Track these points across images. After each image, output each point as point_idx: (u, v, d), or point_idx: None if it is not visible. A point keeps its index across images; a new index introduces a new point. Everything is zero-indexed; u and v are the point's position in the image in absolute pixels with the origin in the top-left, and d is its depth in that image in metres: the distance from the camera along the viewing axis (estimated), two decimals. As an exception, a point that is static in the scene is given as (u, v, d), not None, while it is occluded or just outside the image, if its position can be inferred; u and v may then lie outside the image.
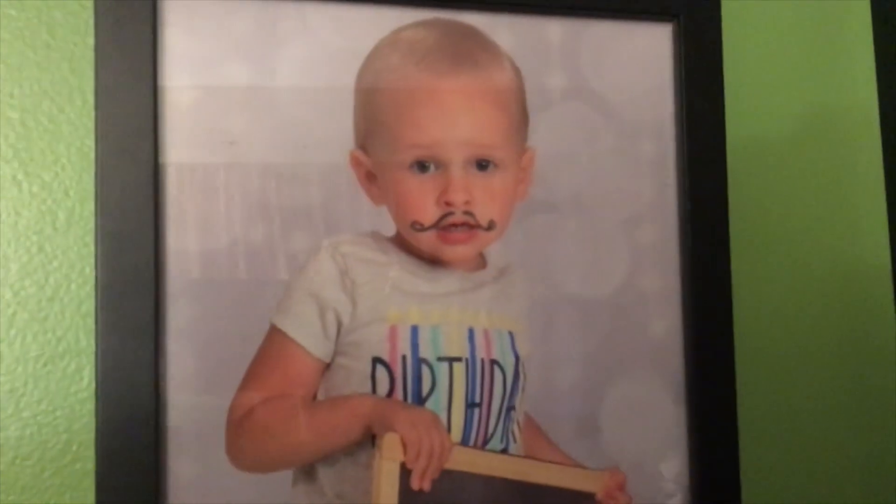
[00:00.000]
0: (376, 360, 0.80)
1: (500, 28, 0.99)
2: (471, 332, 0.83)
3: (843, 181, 1.19)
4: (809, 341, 1.15)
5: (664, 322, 1.04)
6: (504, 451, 0.83)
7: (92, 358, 0.90)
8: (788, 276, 1.15)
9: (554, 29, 1.03)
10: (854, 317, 1.17)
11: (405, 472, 0.73)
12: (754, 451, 1.09)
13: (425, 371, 0.80)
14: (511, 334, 0.86)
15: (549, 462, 0.84)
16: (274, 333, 0.82)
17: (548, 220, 1.01)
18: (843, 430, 1.16)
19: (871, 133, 1.20)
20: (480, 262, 0.89)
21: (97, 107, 0.90)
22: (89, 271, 0.92)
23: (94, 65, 0.91)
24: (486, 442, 0.82)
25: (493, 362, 0.83)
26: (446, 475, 0.75)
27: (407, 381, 0.80)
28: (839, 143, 1.19)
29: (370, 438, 0.77)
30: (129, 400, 0.88)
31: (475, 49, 0.85)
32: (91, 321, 0.91)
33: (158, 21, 0.92)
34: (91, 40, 0.92)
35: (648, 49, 1.06)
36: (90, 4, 0.93)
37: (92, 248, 0.91)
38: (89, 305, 0.91)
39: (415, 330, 0.81)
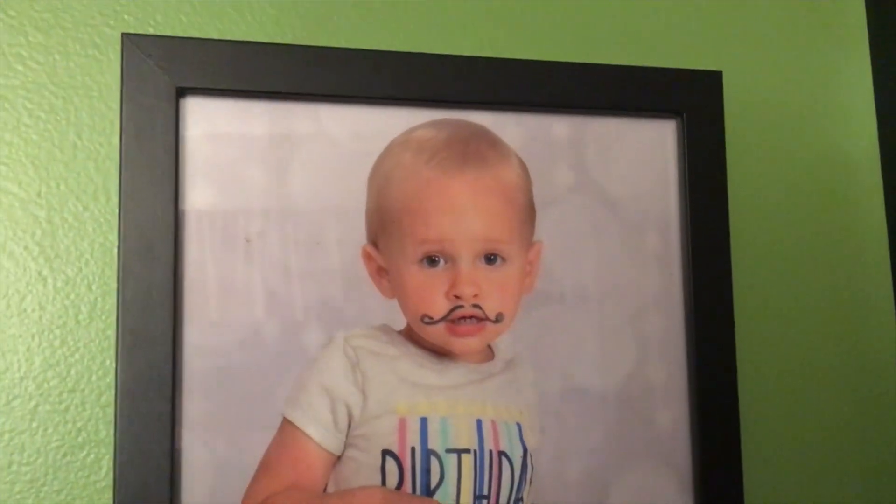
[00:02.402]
0: (386, 453, 0.81)
1: (507, 125, 1.02)
2: (479, 424, 0.83)
3: (852, 279, 1.18)
4: (818, 429, 1.15)
5: (671, 413, 1.04)
6: (511, 543, 0.82)
7: (111, 449, 0.91)
8: (796, 363, 1.15)
9: (560, 126, 1.05)
10: (863, 395, 1.17)
11: (413, 566, 0.73)
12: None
13: (434, 463, 0.81)
14: (519, 425, 0.86)
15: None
16: (286, 426, 0.82)
17: (555, 312, 1.02)
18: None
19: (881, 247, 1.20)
20: (488, 353, 0.90)
21: (121, 205, 0.92)
22: (109, 363, 0.94)
23: (118, 164, 0.94)
24: (493, 534, 0.81)
25: (501, 454, 0.83)
26: (453, 569, 0.74)
27: (416, 473, 0.80)
28: (846, 227, 1.19)
29: (379, 531, 0.77)
30: (146, 490, 0.89)
31: (483, 147, 0.86)
32: (111, 412, 0.92)
33: (180, 125, 0.95)
34: (116, 140, 0.95)
35: (653, 145, 1.08)
36: (116, 106, 0.97)
37: (112, 340, 0.93)
38: (109, 397, 0.93)
39: (424, 422, 0.82)
